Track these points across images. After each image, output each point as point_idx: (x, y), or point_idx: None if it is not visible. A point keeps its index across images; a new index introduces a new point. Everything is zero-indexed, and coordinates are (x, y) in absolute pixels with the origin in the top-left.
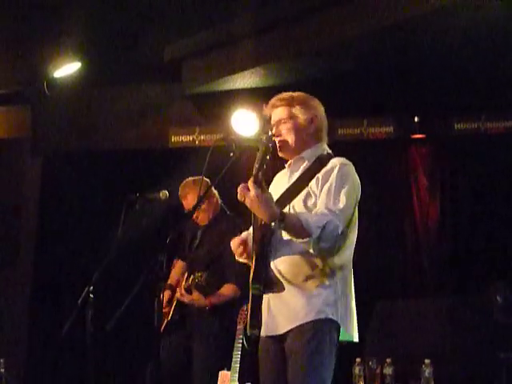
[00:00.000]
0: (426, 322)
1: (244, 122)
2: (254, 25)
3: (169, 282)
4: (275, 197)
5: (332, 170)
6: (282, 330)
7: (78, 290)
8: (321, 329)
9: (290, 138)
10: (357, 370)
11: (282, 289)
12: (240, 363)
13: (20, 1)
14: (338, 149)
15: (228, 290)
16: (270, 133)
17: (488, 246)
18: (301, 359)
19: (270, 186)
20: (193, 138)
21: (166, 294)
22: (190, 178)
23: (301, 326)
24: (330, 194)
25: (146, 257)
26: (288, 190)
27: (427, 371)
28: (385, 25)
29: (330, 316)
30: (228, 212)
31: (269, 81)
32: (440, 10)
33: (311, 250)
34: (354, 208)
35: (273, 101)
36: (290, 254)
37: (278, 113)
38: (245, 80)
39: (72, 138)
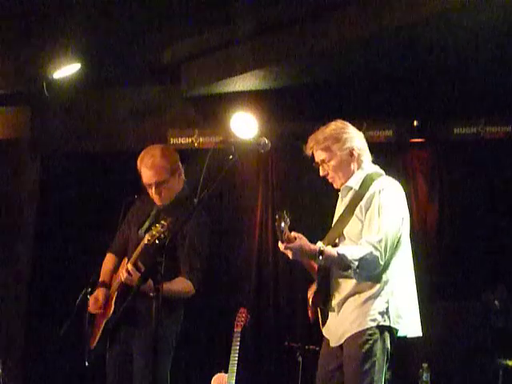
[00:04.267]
0: (423, 327)
1: (243, 125)
2: (253, 27)
3: (101, 279)
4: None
5: (372, 197)
6: (341, 341)
7: (76, 291)
8: (372, 335)
9: (337, 175)
10: None
11: (340, 307)
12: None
13: (20, 2)
14: None
15: (184, 283)
16: (265, 140)
17: (487, 251)
18: (354, 362)
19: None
20: (192, 140)
21: (101, 293)
22: (157, 146)
23: (355, 334)
24: (370, 225)
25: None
26: (339, 219)
27: (425, 375)
28: (385, 29)
29: (382, 323)
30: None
31: (268, 83)
32: (440, 15)
33: (354, 279)
34: (397, 231)
35: (310, 144)
36: (343, 278)
37: (318, 155)
38: (244, 82)
39: (71, 139)
